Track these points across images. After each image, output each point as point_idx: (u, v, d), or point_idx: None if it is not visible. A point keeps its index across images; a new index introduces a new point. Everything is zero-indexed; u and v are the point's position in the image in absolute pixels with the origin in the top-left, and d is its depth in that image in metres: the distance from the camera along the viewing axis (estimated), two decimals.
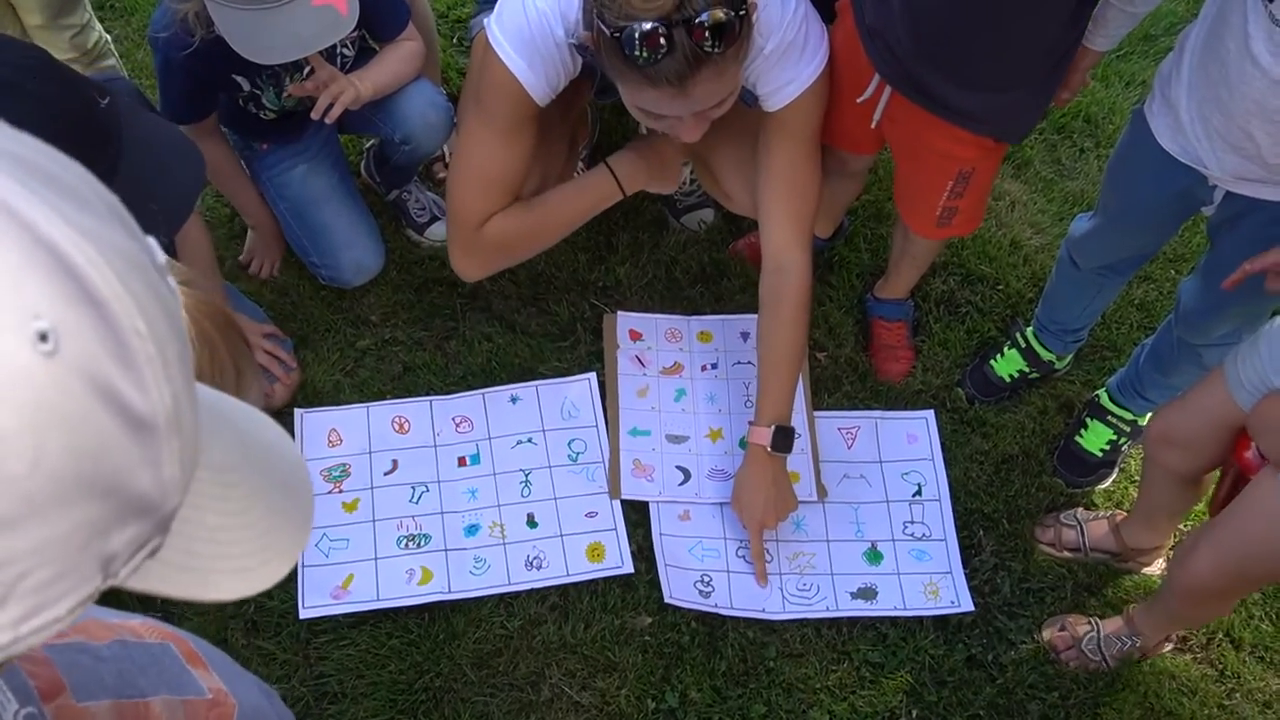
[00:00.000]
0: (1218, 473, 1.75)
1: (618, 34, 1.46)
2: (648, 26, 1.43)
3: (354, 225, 2.20)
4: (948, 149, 1.80)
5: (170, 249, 1.96)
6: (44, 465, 0.38)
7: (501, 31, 1.65)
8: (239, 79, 1.94)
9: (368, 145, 2.42)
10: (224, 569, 0.52)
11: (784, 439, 1.90)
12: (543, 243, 1.99)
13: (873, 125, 1.85)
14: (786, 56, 1.68)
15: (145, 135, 1.41)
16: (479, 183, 1.80)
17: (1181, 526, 2.05)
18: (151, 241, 0.48)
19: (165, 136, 1.46)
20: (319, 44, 1.76)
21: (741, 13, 1.49)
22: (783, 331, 1.89)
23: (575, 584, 1.95)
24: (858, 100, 1.81)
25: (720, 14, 1.45)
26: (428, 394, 2.16)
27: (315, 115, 1.91)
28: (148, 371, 0.42)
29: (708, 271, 2.33)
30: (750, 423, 1.93)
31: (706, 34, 1.45)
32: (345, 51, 2.02)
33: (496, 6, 1.69)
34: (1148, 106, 1.68)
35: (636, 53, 1.45)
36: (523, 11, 1.63)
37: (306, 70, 1.96)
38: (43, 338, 0.38)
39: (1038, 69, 1.69)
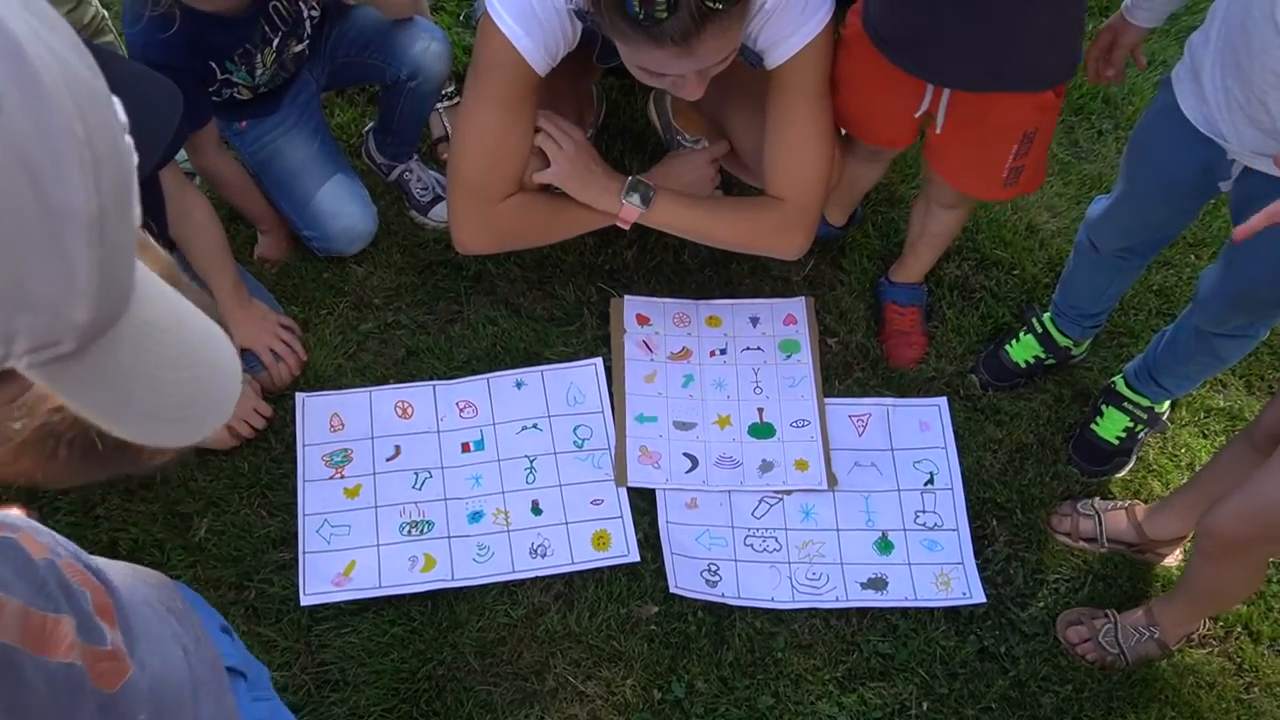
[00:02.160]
0: None
1: None
2: None
3: (339, 193, 2.22)
4: (1012, 118, 1.82)
5: (169, 245, 1.98)
6: None
7: (499, 1, 1.66)
8: (213, 65, 1.96)
9: (365, 129, 2.43)
10: (136, 409, 0.55)
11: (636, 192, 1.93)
12: (550, 239, 2.04)
13: (938, 131, 1.87)
14: (789, 9, 1.69)
15: (126, 72, 1.47)
16: (478, 154, 1.82)
17: None
18: (118, 101, 0.53)
19: (144, 74, 1.51)
20: None
21: None
22: (735, 203, 2.01)
23: (580, 572, 1.98)
24: (914, 115, 1.85)
25: None
26: (431, 378, 2.17)
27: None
28: (75, 171, 0.46)
29: (717, 255, 2.34)
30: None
31: None
32: (312, 12, 2.05)
33: None
34: (1176, 72, 1.69)
35: (638, 11, 1.45)
36: None
37: (276, 41, 1.98)
38: None
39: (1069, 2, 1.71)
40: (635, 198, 1.92)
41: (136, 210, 0.53)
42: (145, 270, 0.56)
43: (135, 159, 0.53)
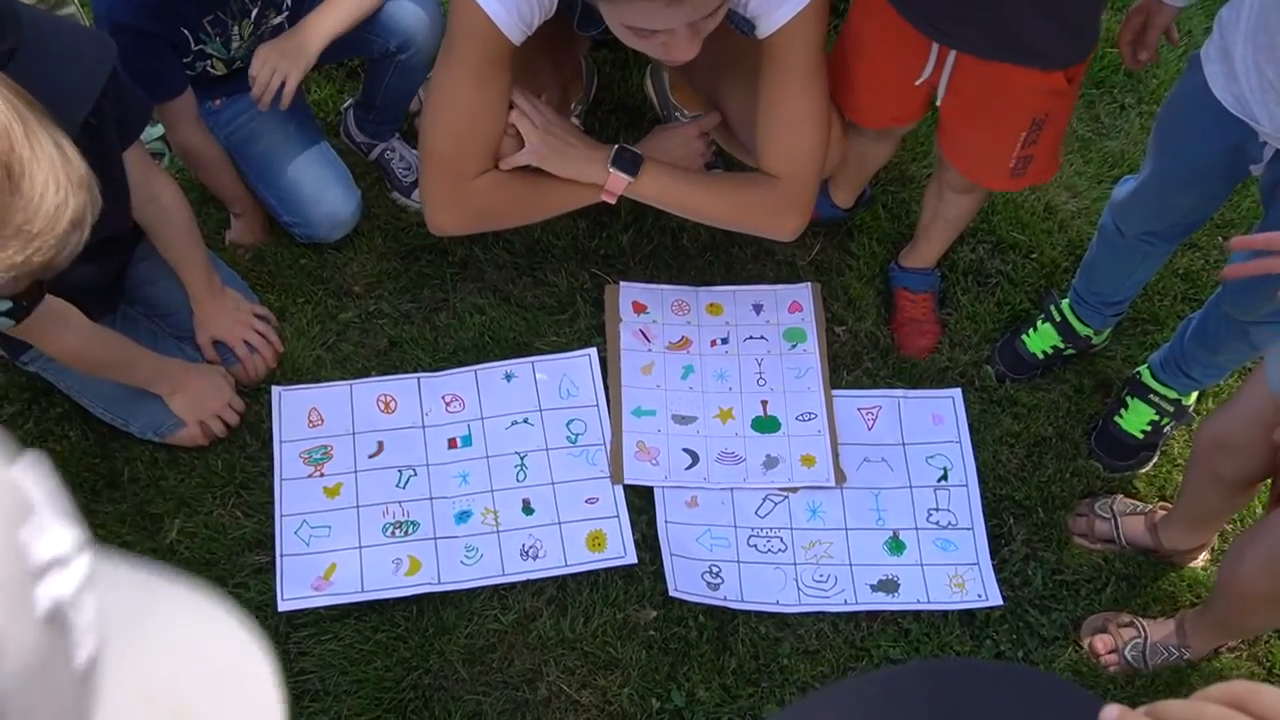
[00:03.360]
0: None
1: None
2: None
3: (320, 176, 2.15)
4: (1020, 101, 1.76)
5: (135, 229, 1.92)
6: None
7: None
8: (185, 33, 1.90)
9: (344, 105, 2.36)
10: None
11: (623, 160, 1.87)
12: (528, 219, 1.96)
13: (937, 103, 1.82)
14: None
15: (52, 26, 1.44)
16: (449, 128, 1.76)
17: (1227, 526, 2.01)
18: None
19: (71, 29, 1.50)
20: None
21: None
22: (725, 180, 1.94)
23: (574, 575, 1.92)
24: (915, 83, 1.79)
25: None
26: (415, 370, 2.11)
27: (263, 107, 1.93)
28: None
29: (717, 239, 2.27)
30: None
31: None
32: (281, 17, 1.99)
33: None
34: (1205, 51, 1.64)
35: None
36: None
37: (255, 12, 1.91)
38: None
39: None
40: (622, 166, 1.85)
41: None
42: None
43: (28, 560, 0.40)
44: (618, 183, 1.86)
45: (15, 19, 1.37)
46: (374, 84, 2.18)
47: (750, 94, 1.87)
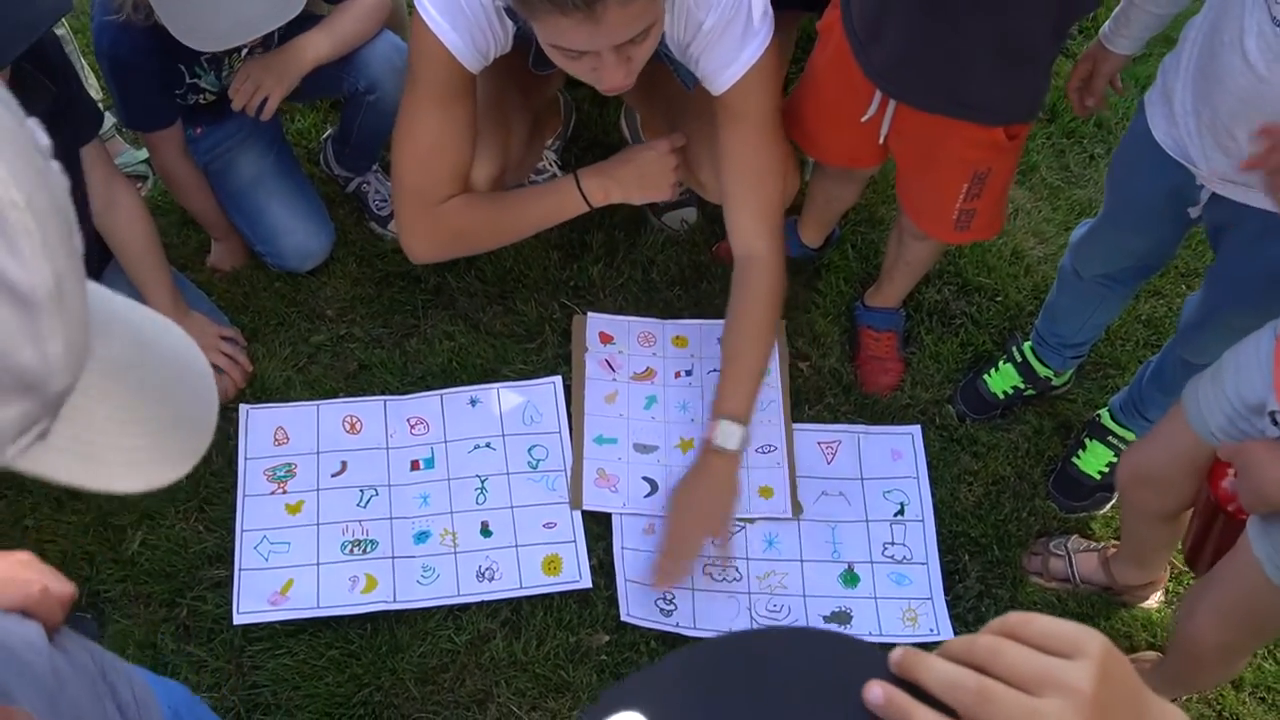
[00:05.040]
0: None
1: None
2: None
3: (294, 208, 2.25)
4: (960, 153, 1.84)
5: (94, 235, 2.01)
6: None
7: None
8: (181, 68, 2.00)
9: (324, 136, 2.48)
10: (115, 461, 0.56)
11: (726, 434, 1.93)
12: (500, 239, 2.04)
13: (880, 141, 1.90)
14: (727, 34, 1.72)
15: None
16: (415, 156, 1.85)
17: (1176, 561, 2.07)
18: (34, 122, 0.53)
19: None
20: (268, 26, 1.83)
21: None
22: (745, 318, 1.96)
23: (529, 598, 1.99)
24: (861, 120, 1.87)
25: None
26: (383, 394, 2.20)
27: (247, 111, 2.02)
28: (25, 245, 0.46)
29: (687, 274, 2.38)
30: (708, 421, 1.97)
31: None
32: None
33: None
34: (1149, 95, 1.73)
35: None
36: None
37: (245, 51, 2.02)
38: None
39: (1041, 44, 1.72)
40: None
41: (78, 240, 0.52)
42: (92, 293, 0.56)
43: (65, 183, 0.53)
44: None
45: None
46: (348, 121, 2.30)
47: (706, 135, 1.96)
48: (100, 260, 2.08)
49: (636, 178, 1.97)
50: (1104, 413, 2.19)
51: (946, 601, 2.03)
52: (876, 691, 0.54)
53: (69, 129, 1.83)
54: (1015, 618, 0.59)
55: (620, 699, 0.56)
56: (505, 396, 2.20)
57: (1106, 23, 1.82)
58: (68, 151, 1.86)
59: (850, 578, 2.05)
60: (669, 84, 1.99)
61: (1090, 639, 0.56)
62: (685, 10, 1.69)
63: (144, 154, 2.39)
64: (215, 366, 2.12)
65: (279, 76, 2.02)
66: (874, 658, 0.57)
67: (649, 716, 0.54)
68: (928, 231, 2.04)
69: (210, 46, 1.83)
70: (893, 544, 2.08)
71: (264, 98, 2.02)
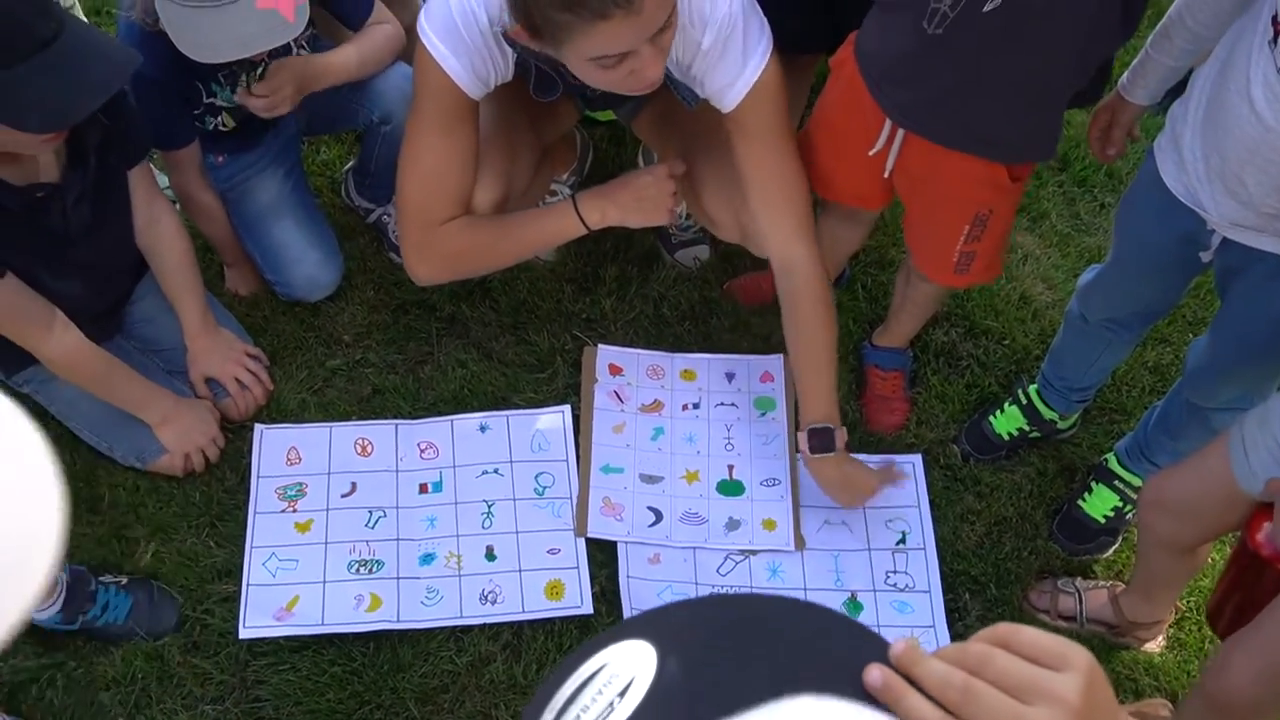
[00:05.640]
0: (1213, 545, 1.76)
1: None
2: None
3: (305, 239, 2.32)
4: (963, 192, 1.88)
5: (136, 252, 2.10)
6: None
7: (428, 23, 1.77)
8: (199, 85, 2.09)
9: (345, 168, 2.56)
10: None
11: (820, 439, 2.00)
12: (500, 260, 2.08)
13: (885, 175, 1.94)
14: (727, 51, 1.77)
15: (90, 28, 1.67)
16: (417, 177, 1.91)
17: (1180, 604, 2.09)
18: None
19: (106, 36, 1.73)
20: (260, 45, 1.91)
21: None
22: (805, 328, 2.01)
23: (530, 622, 2.02)
24: (869, 153, 1.91)
25: None
26: (395, 419, 2.26)
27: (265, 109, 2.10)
28: None
29: (697, 310, 2.43)
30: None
31: None
32: (300, 51, 2.18)
33: (427, 2, 1.81)
34: (1158, 142, 1.77)
35: None
36: (446, 2, 1.75)
37: (260, 69, 2.10)
38: None
39: (1059, 90, 1.77)
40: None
41: None
42: None
43: None
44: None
45: (59, 10, 1.58)
46: (367, 153, 2.39)
47: (723, 170, 2.02)
48: (137, 273, 2.17)
49: (634, 201, 2.00)
50: (1111, 457, 2.22)
51: (949, 635, 2.05)
52: (875, 674, 0.57)
53: (118, 155, 1.95)
54: (1005, 628, 0.61)
55: (628, 631, 0.58)
56: (515, 423, 2.25)
57: (1124, 74, 1.87)
58: (115, 175, 1.96)
59: (854, 606, 2.08)
60: (684, 120, 2.06)
61: (1077, 653, 0.59)
62: (683, 30, 1.72)
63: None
64: (239, 382, 2.20)
65: (299, 79, 2.09)
66: (878, 644, 0.60)
67: (657, 649, 0.56)
68: (927, 274, 2.09)
69: (205, 58, 1.91)
70: (895, 572, 2.12)
71: (281, 97, 2.08)
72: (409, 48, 1.82)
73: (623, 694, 0.54)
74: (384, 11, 2.21)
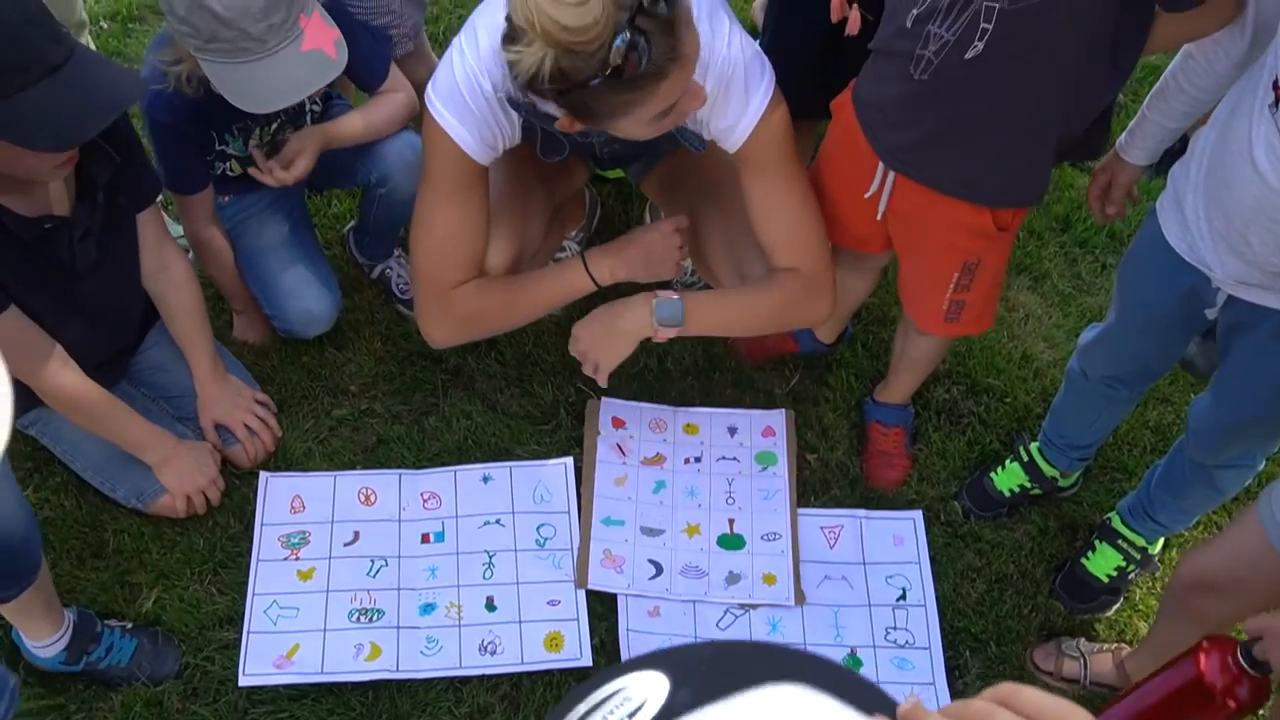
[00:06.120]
0: None
1: (599, 77, 1.50)
2: (621, 41, 1.47)
3: (302, 274, 2.36)
4: (951, 238, 1.92)
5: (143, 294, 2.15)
6: None
7: (435, 93, 1.82)
8: (213, 134, 2.16)
9: (346, 228, 2.62)
10: None
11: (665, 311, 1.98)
12: (513, 320, 2.11)
13: (878, 217, 1.98)
14: (730, 92, 1.81)
15: (98, 56, 1.70)
16: (430, 245, 1.95)
17: None
18: None
19: (115, 64, 1.75)
20: (312, 86, 1.98)
21: None
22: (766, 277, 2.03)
23: (529, 674, 2.04)
24: (865, 195, 1.95)
25: None
26: (399, 468, 2.29)
27: (280, 173, 2.16)
28: None
29: (700, 364, 2.47)
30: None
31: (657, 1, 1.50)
32: (314, 107, 2.25)
33: (434, 73, 1.86)
34: (1160, 202, 1.80)
35: (635, 66, 1.49)
36: (452, 71, 1.80)
37: (275, 125, 2.17)
38: None
39: (1045, 136, 1.79)
40: (666, 319, 1.99)
41: None
42: None
43: None
44: (667, 333, 2.02)
45: (69, 37, 1.64)
46: (365, 211, 2.45)
47: (730, 227, 2.07)
48: (146, 320, 2.21)
49: (642, 257, 2.05)
50: (1114, 515, 2.23)
51: (950, 692, 2.06)
52: None
53: (128, 195, 1.99)
54: (1007, 688, 0.64)
55: (648, 662, 0.60)
56: (518, 475, 2.28)
57: (1122, 135, 1.91)
58: (124, 216, 2.01)
59: (853, 662, 2.08)
60: (691, 178, 2.11)
61: (1078, 716, 0.61)
62: None
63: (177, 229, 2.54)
64: (247, 428, 2.23)
65: (313, 141, 2.16)
66: (887, 702, 0.62)
67: (671, 679, 0.58)
68: (918, 322, 2.12)
69: (262, 108, 1.97)
70: (895, 629, 2.12)
71: (296, 158, 2.16)
72: (422, 110, 1.88)
73: (633, 715, 0.57)
74: (399, 79, 2.27)
